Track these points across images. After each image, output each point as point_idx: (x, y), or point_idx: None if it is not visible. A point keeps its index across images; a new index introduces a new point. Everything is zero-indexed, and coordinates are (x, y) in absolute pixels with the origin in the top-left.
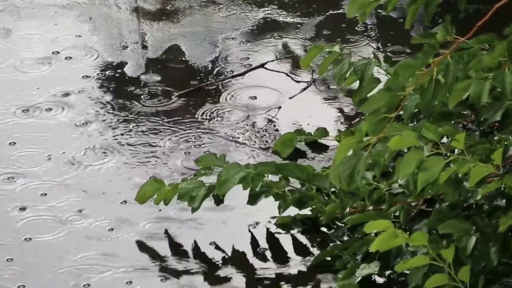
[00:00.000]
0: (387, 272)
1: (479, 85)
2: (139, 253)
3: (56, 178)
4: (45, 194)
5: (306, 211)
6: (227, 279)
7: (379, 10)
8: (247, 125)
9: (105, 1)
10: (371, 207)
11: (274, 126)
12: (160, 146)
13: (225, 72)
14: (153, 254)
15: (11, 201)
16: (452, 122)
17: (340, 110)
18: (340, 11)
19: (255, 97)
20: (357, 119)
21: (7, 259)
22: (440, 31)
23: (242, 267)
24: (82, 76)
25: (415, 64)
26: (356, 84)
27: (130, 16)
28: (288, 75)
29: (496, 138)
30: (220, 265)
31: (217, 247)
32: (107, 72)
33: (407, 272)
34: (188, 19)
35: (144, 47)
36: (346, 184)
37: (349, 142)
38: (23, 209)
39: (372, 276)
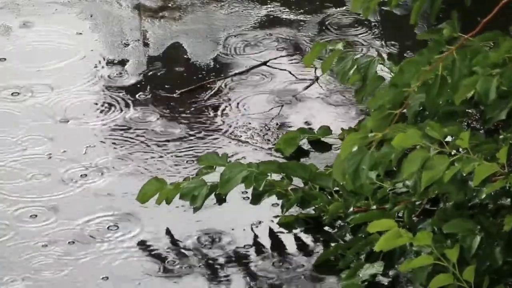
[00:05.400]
0: (391, 272)
1: (487, 82)
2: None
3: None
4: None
5: (309, 210)
6: (229, 279)
7: (383, 7)
8: (249, 123)
9: None
10: (374, 206)
11: (277, 124)
12: (160, 145)
13: (227, 70)
14: (154, 253)
15: None
16: (457, 121)
17: (344, 108)
18: (344, 8)
19: (258, 96)
20: (361, 118)
21: None
22: (446, 28)
23: (245, 266)
24: (83, 75)
25: (421, 60)
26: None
27: (132, 13)
28: (291, 73)
29: (501, 137)
30: (222, 264)
31: (219, 247)
32: (108, 70)
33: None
34: (190, 17)
35: (146, 44)
36: (351, 180)
37: (354, 138)
38: None
39: (376, 276)
